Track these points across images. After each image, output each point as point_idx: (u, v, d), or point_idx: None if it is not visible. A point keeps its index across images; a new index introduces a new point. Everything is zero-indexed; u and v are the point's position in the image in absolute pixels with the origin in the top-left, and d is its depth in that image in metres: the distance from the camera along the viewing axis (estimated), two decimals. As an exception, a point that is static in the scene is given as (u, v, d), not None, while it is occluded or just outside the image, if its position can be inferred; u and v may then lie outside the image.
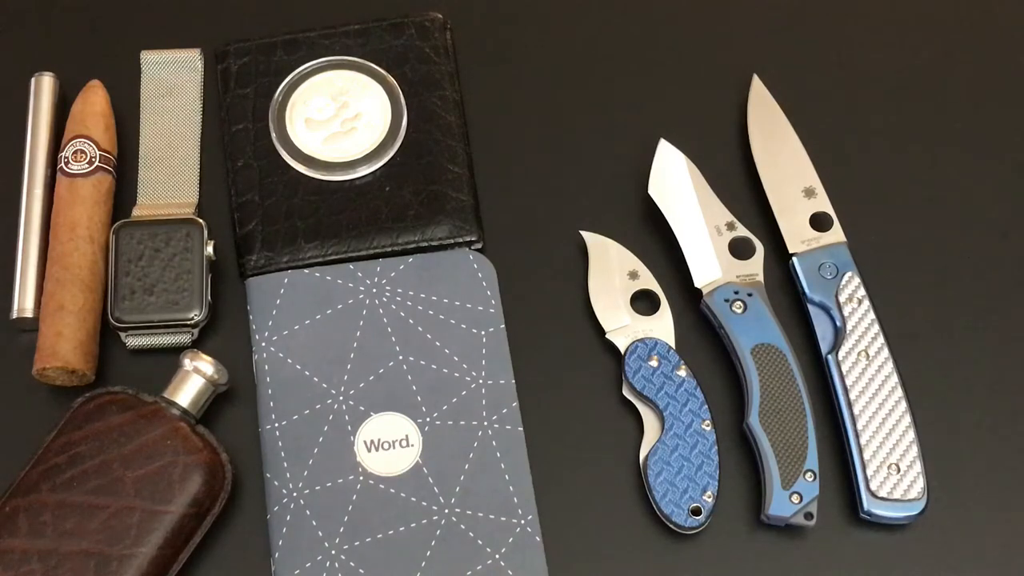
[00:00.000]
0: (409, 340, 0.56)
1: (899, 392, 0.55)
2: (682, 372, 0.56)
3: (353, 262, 0.58)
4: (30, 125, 0.61)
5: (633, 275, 0.59)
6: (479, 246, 0.59)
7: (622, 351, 0.57)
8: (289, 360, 0.56)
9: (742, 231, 0.59)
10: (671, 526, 0.53)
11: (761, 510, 0.53)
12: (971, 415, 0.57)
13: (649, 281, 0.59)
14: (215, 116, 0.63)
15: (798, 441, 0.54)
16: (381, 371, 0.56)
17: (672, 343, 0.57)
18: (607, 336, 0.58)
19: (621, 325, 0.58)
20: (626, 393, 0.56)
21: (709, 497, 0.53)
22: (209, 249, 0.58)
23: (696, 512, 0.53)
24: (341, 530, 0.53)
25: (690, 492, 0.53)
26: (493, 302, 0.58)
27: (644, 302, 0.59)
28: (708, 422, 0.55)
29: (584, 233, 0.60)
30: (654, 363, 0.56)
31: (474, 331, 0.57)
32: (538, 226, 0.61)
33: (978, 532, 0.55)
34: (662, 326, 0.58)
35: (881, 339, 0.56)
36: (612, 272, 0.59)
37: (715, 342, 0.58)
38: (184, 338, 0.57)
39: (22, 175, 0.60)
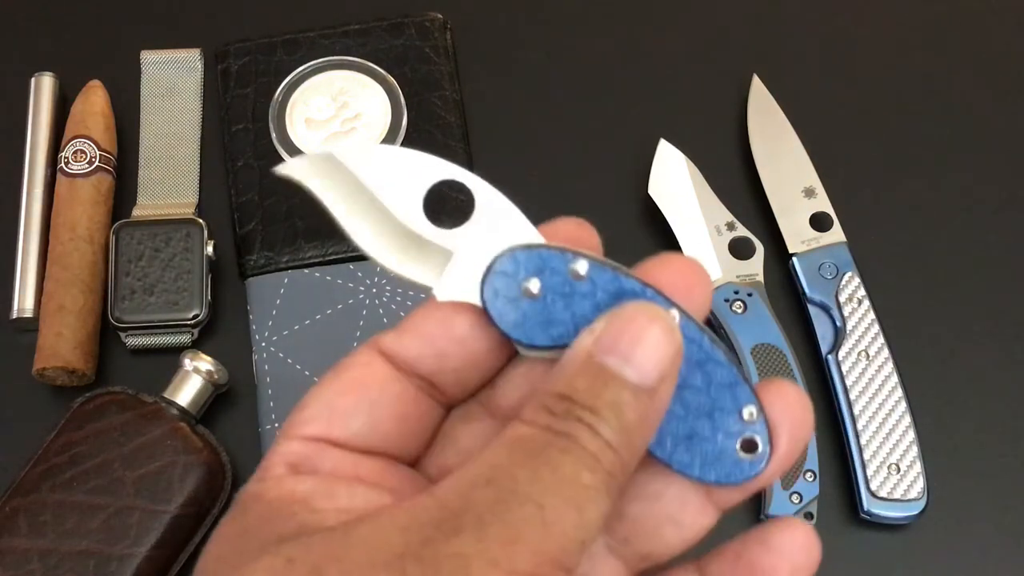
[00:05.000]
0: (409, 340, 0.56)
1: (899, 392, 0.55)
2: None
3: (353, 262, 0.58)
4: (30, 125, 0.61)
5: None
6: (479, 246, 0.59)
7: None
8: (289, 360, 0.56)
9: (742, 231, 0.59)
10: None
11: (761, 510, 0.53)
12: (971, 415, 0.57)
13: (649, 281, 0.59)
14: (215, 116, 0.63)
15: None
16: (381, 371, 0.56)
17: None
18: (607, 336, 0.58)
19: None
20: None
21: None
22: (209, 249, 0.58)
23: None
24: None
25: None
26: (493, 302, 0.57)
27: (644, 302, 0.59)
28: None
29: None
30: None
31: (474, 331, 0.57)
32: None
33: (978, 532, 0.55)
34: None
35: (881, 339, 0.56)
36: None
37: (715, 342, 0.58)
38: (184, 338, 0.57)
39: (22, 175, 0.60)
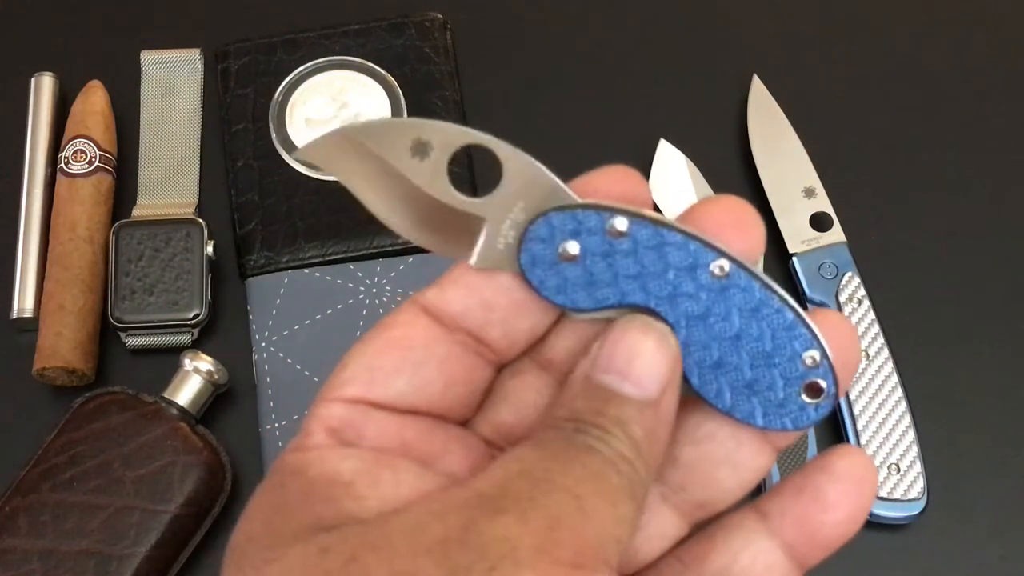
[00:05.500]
0: (409, 340, 0.56)
1: (899, 392, 0.55)
2: None
3: (353, 262, 0.58)
4: (30, 125, 0.61)
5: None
6: (479, 246, 0.59)
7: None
8: (289, 360, 0.56)
9: (742, 231, 0.59)
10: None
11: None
12: (971, 415, 0.57)
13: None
14: (215, 116, 0.63)
15: (798, 441, 0.54)
16: (381, 371, 0.56)
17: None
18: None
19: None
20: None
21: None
22: (209, 249, 0.58)
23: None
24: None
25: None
26: (493, 302, 0.57)
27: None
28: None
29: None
30: None
31: (474, 331, 0.57)
32: (538, 226, 0.61)
33: (978, 532, 0.55)
34: (662, 326, 0.58)
35: (881, 339, 0.56)
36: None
37: (715, 342, 0.58)
38: (184, 338, 0.57)
39: (22, 175, 0.60)
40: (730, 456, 0.28)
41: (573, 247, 0.27)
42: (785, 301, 0.27)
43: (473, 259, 0.28)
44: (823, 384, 0.27)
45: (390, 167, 0.28)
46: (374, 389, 0.27)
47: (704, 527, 0.29)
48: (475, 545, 0.23)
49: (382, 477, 0.26)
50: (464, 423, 0.29)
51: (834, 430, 0.56)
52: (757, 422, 0.27)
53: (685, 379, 0.27)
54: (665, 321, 0.27)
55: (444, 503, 0.24)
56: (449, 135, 0.28)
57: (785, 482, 0.28)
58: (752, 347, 0.27)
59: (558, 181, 0.28)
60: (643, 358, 0.26)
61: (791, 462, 0.53)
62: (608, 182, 0.28)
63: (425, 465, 0.27)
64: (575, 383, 0.27)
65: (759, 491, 0.53)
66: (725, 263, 0.27)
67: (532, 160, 0.28)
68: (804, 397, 0.27)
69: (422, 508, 0.24)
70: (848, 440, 0.54)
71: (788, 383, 0.27)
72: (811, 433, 0.54)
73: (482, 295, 0.28)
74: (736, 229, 0.27)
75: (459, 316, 0.28)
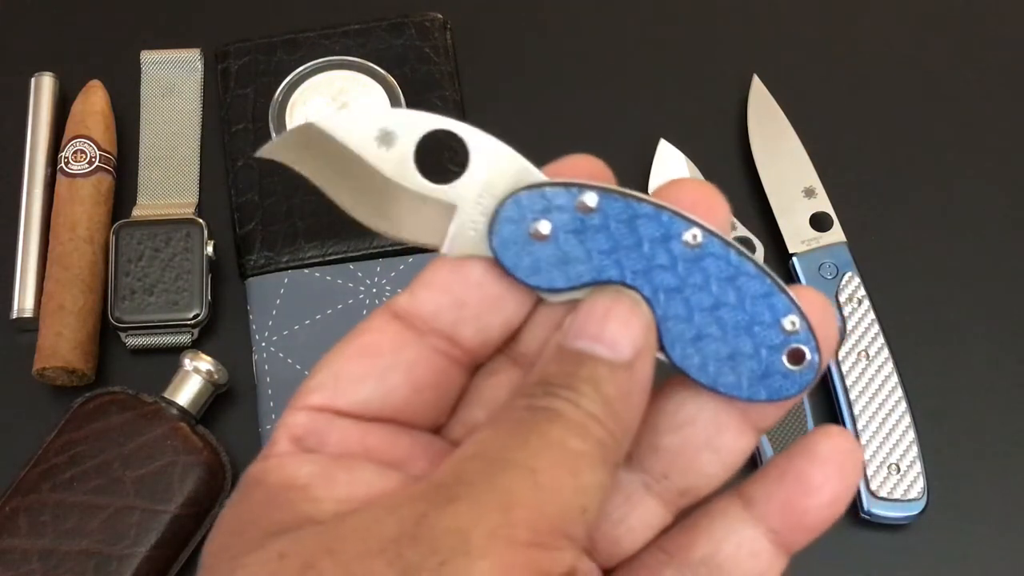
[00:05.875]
0: (409, 340, 0.56)
1: (899, 392, 0.55)
2: None
3: (353, 262, 0.58)
4: (30, 125, 0.61)
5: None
6: (479, 246, 0.59)
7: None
8: (289, 360, 0.56)
9: (742, 231, 0.59)
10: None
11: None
12: (971, 415, 0.57)
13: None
14: (215, 116, 0.63)
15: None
16: (381, 371, 0.56)
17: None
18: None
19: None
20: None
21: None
22: (209, 249, 0.58)
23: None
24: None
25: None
26: (493, 302, 0.57)
27: (644, 302, 0.59)
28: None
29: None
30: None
31: (474, 331, 0.57)
32: (538, 226, 0.61)
33: (978, 532, 0.55)
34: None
35: (881, 339, 0.56)
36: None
37: (715, 342, 0.58)
38: (184, 338, 0.57)
39: (22, 175, 0.60)
40: (711, 440, 0.27)
41: (544, 226, 0.27)
42: (760, 268, 0.27)
43: (445, 247, 0.28)
44: (805, 350, 0.27)
45: (357, 158, 0.27)
46: (339, 397, 0.27)
47: (688, 515, 0.28)
48: (426, 539, 0.22)
49: (338, 478, 0.26)
50: (438, 429, 0.29)
51: (834, 430, 0.56)
52: (742, 394, 0.27)
53: (667, 356, 0.27)
54: (642, 295, 0.27)
55: (398, 498, 0.24)
56: (413, 122, 0.28)
57: (768, 466, 0.28)
58: (731, 316, 0.27)
59: (526, 162, 0.27)
60: (616, 321, 0.26)
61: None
62: (572, 167, 0.28)
63: (388, 467, 0.27)
64: (547, 352, 0.26)
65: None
66: (698, 232, 0.27)
67: (499, 143, 0.28)
68: (787, 364, 0.27)
69: (377, 506, 0.24)
70: (848, 440, 0.54)
71: (770, 351, 0.27)
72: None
73: (453, 293, 0.27)
74: (706, 207, 0.27)
75: (430, 317, 0.27)
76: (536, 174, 0.27)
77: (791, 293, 0.27)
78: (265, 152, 0.28)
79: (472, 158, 0.28)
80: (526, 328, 0.28)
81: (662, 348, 0.27)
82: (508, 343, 0.29)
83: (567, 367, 0.26)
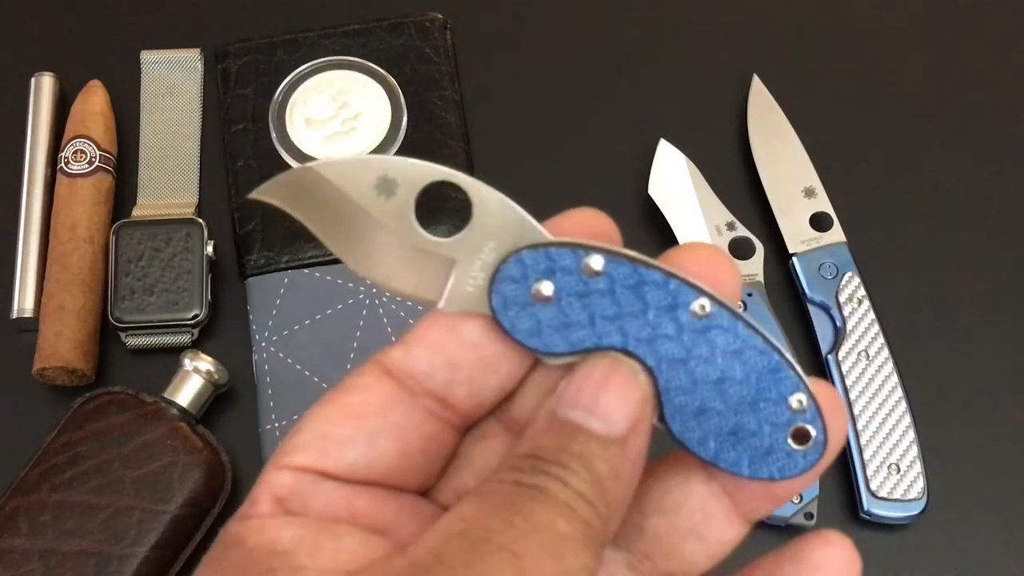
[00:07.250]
0: (409, 340, 0.56)
1: (899, 392, 0.55)
2: None
3: (353, 262, 0.58)
4: (30, 125, 0.61)
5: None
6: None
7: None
8: (289, 360, 0.56)
9: (742, 231, 0.59)
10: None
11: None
12: (971, 415, 0.57)
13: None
14: (215, 116, 0.63)
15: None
16: (381, 371, 0.56)
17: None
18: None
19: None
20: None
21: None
22: (209, 249, 0.58)
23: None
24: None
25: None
26: (493, 302, 0.57)
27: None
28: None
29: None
30: None
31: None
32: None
33: (978, 532, 0.55)
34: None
35: (881, 339, 0.56)
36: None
37: (715, 342, 0.58)
38: (184, 338, 0.57)
39: (22, 175, 0.60)
40: (698, 528, 0.27)
41: (547, 287, 0.26)
42: (769, 342, 0.26)
43: (442, 302, 0.26)
44: (811, 430, 0.26)
45: (354, 206, 0.26)
46: (325, 459, 0.26)
47: None
48: None
49: (323, 545, 0.25)
50: (425, 491, 0.28)
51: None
52: (743, 472, 0.26)
53: (667, 427, 0.26)
54: (644, 365, 0.26)
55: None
56: (416, 172, 0.26)
57: (757, 563, 0.27)
58: (736, 391, 0.26)
59: (531, 219, 0.26)
60: (611, 393, 0.25)
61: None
62: (577, 223, 0.27)
63: (373, 533, 0.26)
64: (539, 419, 0.25)
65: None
66: (706, 302, 0.26)
67: (504, 197, 0.26)
68: (792, 444, 0.26)
69: None
70: (848, 440, 0.54)
71: (774, 429, 0.26)
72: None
73: (447, 353, 0.26)
74: (714, 276, 0.26)
75: (424, 377, 0.26)
76: (541, 232, 0.26)
77: (799, 368, 0.26)
78: (257, 194, 0.27)
79: (475, 212, 0.26)
80: (520, 392, 0.28)
81: (662, 419, 0.26)
82: (502, 404, 0.28)
83: (558, 440, 0.25)
